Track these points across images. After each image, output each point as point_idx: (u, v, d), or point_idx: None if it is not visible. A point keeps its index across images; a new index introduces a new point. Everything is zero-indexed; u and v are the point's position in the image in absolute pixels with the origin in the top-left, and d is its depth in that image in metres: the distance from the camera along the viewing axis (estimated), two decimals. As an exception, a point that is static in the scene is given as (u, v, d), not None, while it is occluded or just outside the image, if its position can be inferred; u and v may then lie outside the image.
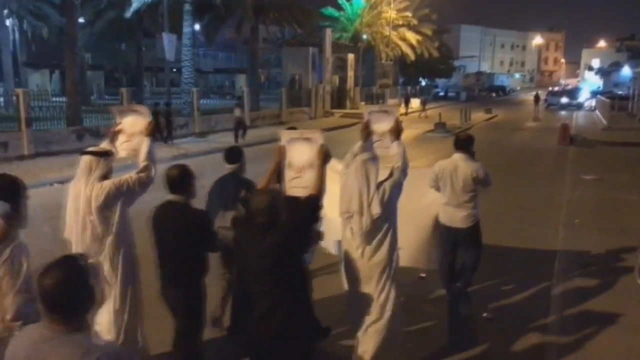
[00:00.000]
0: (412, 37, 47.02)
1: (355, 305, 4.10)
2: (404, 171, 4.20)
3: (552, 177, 13.62)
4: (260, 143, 17.89)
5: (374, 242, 3.99)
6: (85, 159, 3.83)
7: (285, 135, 4.11)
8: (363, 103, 35.78)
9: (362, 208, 3.89)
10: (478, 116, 32.95)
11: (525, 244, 7.93)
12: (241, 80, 49.00)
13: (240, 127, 19.71)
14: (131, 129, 4.25)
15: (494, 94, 67.83)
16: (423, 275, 6.30)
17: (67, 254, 2.12)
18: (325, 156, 3.87)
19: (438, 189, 5.55)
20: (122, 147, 4.23)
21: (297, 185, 3.94)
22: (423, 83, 63.87)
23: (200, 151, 17.05)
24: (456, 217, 5.45)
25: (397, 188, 4.10)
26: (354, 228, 3.96)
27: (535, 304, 5.86)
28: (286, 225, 3.24)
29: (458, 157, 5.47)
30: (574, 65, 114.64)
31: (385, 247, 4.01)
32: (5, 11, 31.10)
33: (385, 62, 45.72)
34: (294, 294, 3.27)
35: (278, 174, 4.02)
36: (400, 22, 46.54)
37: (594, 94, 51.23)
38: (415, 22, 47.39)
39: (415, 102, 39.15)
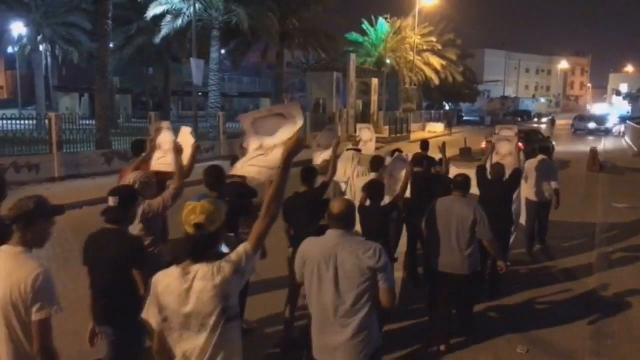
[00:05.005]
0: (436, 62, 46.92)
1: None
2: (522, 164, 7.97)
3: (583, 205, 13.25)
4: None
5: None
6: (347, 153, 6.74)
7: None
8: (387, 127, 35.71)
9: None
10: (504, 141, 32.47)
11: (560, 274, 7.73)
12: (266, 104, 49.37)
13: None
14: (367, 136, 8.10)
15: (519, 119, 67.15)
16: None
17: None
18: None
19: (526, 179, 8.62)
20: (363, 148, 7.68)
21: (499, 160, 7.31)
22: (447, 107, 63.63)
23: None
24: (539, 195, 8.81)
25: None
26: None
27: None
28: (506, 182, 6.81)
29: (540, 157, 9.08)
30: (601, 89, 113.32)
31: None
32: (39, 37, 32.08)
33: (410, 87, 45.74)
34: (505, 212, 6.76)
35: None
36: (425, 47, 46.48)
37: (623, 119, 50.23)
38: (439, 47, 47.31)
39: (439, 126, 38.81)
